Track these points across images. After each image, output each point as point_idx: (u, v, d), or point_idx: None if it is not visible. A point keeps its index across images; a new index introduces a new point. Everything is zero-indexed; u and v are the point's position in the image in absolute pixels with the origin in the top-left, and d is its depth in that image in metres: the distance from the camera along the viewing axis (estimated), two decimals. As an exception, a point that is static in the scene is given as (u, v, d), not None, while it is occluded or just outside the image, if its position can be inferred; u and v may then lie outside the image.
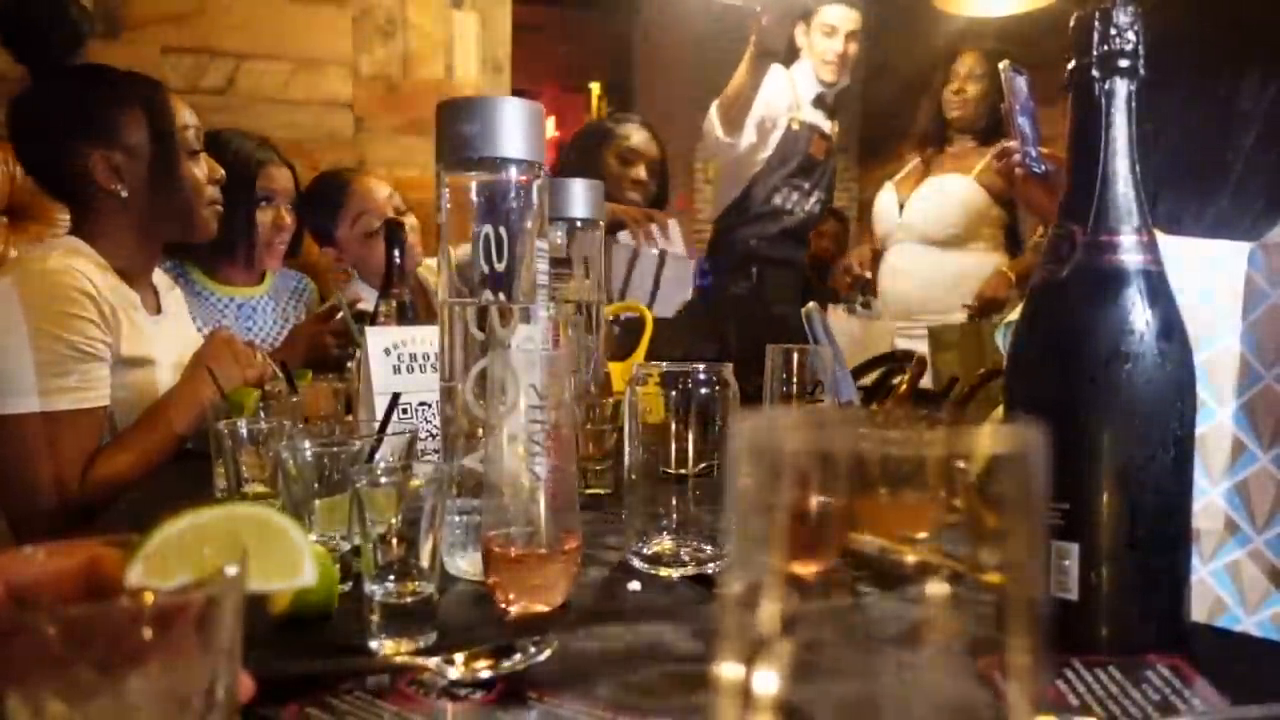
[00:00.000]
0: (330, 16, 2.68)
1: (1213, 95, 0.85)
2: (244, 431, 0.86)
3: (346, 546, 0.69)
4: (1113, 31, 0.56)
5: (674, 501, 0.74)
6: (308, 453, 0.69)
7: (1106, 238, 0.56)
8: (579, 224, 1.15)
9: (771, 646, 0.23)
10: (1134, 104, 0.57)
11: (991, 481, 0.23)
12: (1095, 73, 0.57)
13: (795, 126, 2.85)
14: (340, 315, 1.65)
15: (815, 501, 0.23)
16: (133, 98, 1.42)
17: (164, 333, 1.49)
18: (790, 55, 2.87)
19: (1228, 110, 0.83)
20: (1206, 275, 0.84)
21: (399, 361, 1.04)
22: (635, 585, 0.70)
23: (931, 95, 2.68)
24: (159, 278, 1.59)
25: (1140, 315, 0.56)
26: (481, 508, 0.66)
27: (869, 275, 2.83)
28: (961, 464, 0.23)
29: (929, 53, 2.83)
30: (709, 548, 0.73)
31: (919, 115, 2.74)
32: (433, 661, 0.53)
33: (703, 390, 0.73)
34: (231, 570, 0.33)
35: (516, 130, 0.71)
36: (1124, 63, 0.56)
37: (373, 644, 0.57)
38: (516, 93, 2.84)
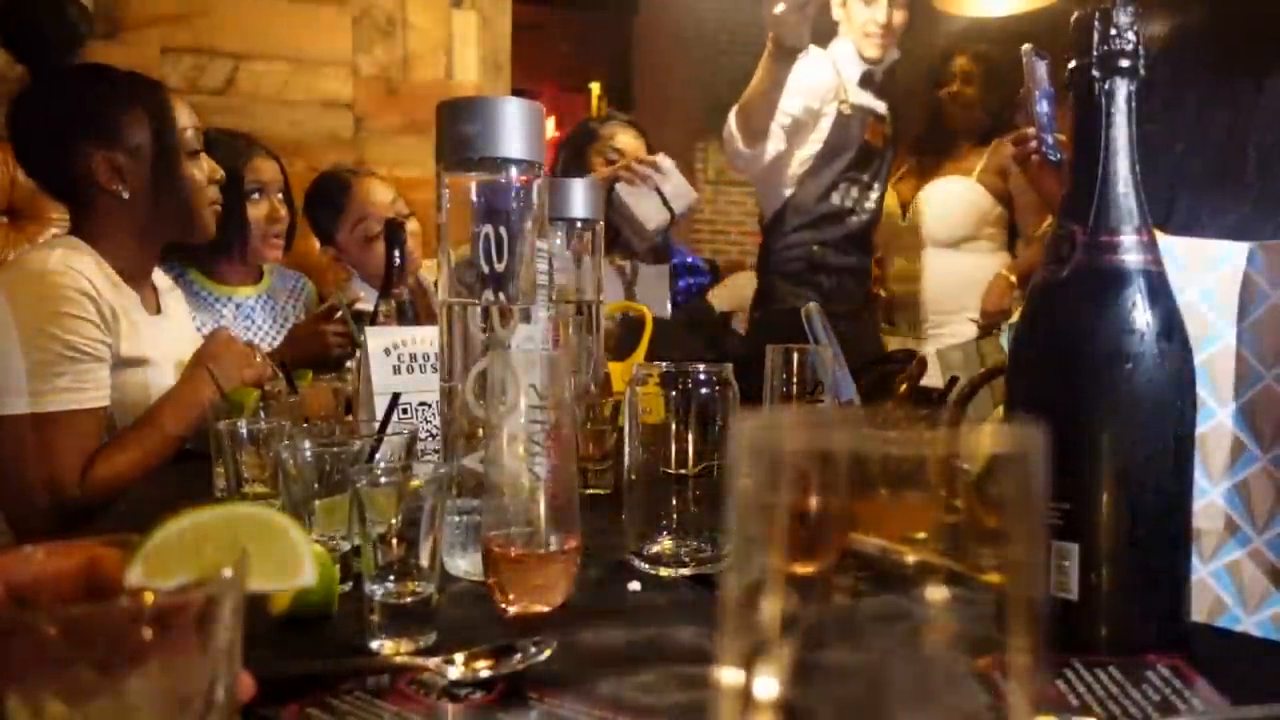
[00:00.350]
0: (330, 16, 2.69)
1: (1231, 98, 0.85)
2: (244, 431, 0.86)
3: (346, 546, 0.69)
4: (1113, 31, 0.56)
5: (674, 501, 0.74)
6: (308, 453, 0.70)
7: (1107, 238, 0.56)
8: (579, 224, 1.15)
9: (771, 647, 0.23)
10: (1134, 104, 0.57)
11: (991, 481, 0.23)
12: (1095, 73, 0.57)
13: (846, 110, 2.44)
14: (340, 315, 1.65)
15: (815, 502, 0.23)
16: (134, 98, 1.42)
17: (164, 333, 1.49)
18: (828, 34, 2.47)
19: (1248, 112, 0.83)
20: (1206, 275, 0.84)
21: (399, 362, 1.04)
22: (635, 585, 0.70)
23: (930, 96, 2.68)
24: (159, 278, 1.59)
25: (1140, 315, 0.56)
26: (481, 508, 0.66)
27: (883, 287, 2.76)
28: (961, 464, 0.23)
29: (927, 53, 2.80)
30: (709, 548, 0.73)
31: (917, 117, 2.73)
32: (433, 661, 0.53)
33: (703, 390, 0.73)
34: (231, 570, 0.33)
35: (516, 130, 0.72)
36: (1124, 63, 0.56)
37: (373, 644, 0.57)
38: (516, 93, 2.83)
